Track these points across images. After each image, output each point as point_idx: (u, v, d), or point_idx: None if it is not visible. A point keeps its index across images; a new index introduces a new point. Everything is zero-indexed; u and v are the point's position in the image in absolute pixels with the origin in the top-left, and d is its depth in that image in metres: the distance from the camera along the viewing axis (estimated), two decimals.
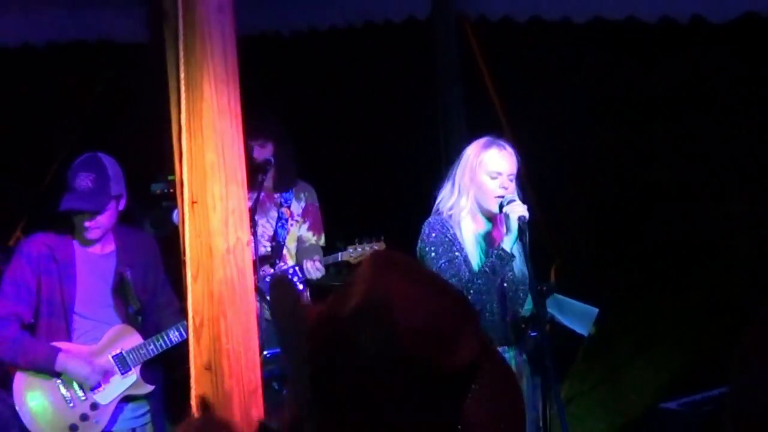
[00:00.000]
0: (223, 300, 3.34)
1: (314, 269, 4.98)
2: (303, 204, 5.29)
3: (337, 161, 6.93)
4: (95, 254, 4.26)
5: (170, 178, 5.82)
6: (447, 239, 4.08)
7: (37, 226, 4.58)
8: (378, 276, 1.47)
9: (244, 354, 3.35)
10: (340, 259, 5.02)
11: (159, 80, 3.58)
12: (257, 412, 3.35)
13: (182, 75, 3.33)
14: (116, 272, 4.25)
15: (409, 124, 6.63)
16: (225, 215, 3.34)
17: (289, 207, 5.25)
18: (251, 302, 3.43)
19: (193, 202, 3.34)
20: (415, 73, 6.44)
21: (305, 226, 5.30)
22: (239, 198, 3.39)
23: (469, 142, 4.29)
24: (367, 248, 4.89)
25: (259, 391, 3.40)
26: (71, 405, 4.18)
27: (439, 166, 5.12)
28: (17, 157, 7.26)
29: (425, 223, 4.16)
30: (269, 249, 5.20)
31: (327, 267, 5.05)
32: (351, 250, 4.96)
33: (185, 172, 3.36)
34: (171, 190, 5.86)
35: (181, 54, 3.32)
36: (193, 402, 3.37)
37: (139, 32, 7.06)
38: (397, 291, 1.44)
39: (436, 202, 4.21)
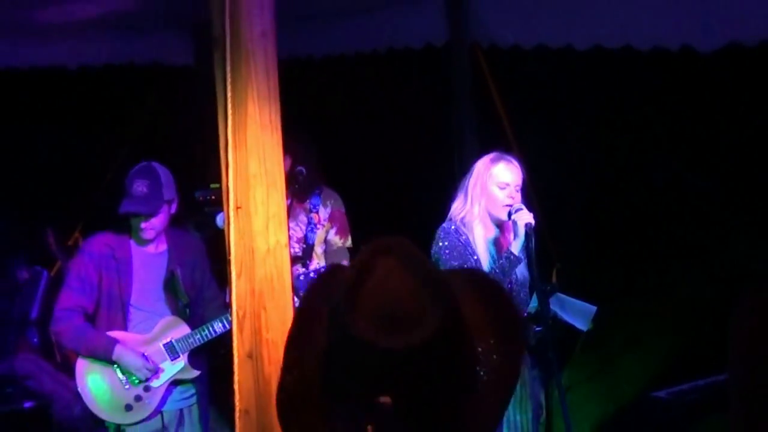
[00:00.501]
0: (264, 295, 3.34)
1: None
2: (329, 210, 5.29)
3: (360, 172, 6.95)
4: (150, 253, 4.29)
5: (212, 186, 5.87)
6: (460, 243, 4.09)
7: (93, 228, 4.62)
8: (367, 262, 1.35)
9: (282, 344, 3.36)
10: None
11: (203, 99, 3.60)
12: None
13: (229, 94, 3.34)
14: (168, 269, 4.29)
15: (426, 139, 6.65)
16: (266, 219, 3.35)
17: (317, 212, 5.27)
18: (289, 297, 3.44)
19: (237, 208, 3.35)
20: (432, 95, 6.47)
21: (333, 231, 5.31)
22: (279, 204, 3.40)
23: (479, 156, 4.32)
24: None
25: None
26: (127, 387, 4.21)
27: (452, 177, 5.13)
28: (76, 167, 7.31)
29: (439, 229, 4.17)
30: (300, 251, 5.23)
31: None
32: None
33: (231, 180, 3.36)
34: (212, 197, 5.91)
35: (228, 75, 3.33)
36: (236, 387, 3.39)
37: (185, 56, 7.14)
38: (376, 277, 1.32)
39: (450, 210, 4.23)
